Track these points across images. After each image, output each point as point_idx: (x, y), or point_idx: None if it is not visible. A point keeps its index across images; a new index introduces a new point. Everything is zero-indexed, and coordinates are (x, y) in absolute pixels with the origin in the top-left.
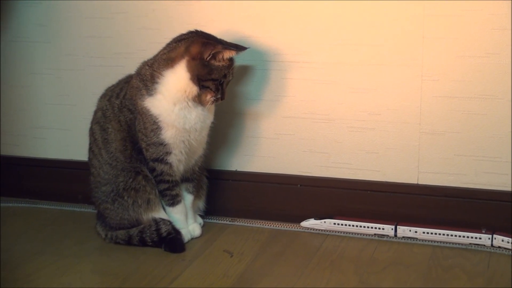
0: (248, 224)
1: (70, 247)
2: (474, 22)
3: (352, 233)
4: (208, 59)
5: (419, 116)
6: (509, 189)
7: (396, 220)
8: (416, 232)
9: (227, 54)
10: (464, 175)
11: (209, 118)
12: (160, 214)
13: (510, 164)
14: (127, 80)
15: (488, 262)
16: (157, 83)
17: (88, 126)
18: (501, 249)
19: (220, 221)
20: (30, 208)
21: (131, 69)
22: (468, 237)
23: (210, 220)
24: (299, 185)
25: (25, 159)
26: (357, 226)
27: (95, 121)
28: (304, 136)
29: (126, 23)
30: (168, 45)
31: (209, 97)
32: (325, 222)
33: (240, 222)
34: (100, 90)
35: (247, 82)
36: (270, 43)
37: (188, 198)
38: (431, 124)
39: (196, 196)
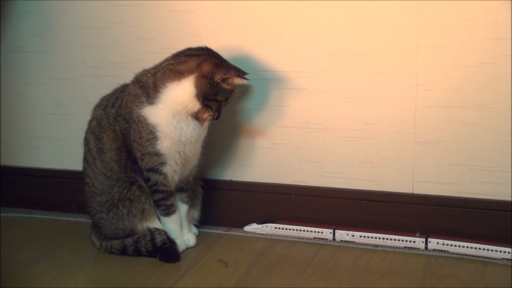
0: (243, 234)
1: (65, 256)
2: (468, 32)
3: (293, 237)
4: (218, 80)
5: (413, 125)
6: (504, 198)
7: (391, 228)
8: (353, 236)
9: (237, 80)
10: (459, 185)
11: (204, 132)
12: (155, 224)
13: (508, 173)
14: (123, 89)
15: (483, 271)
16: (159, 92)
17: (83, 135)
18: (436, 252)
19: (215, 231)
20: (25, 217)
21: (127, 78)
22: (403, 240)
23: (205, 230)
24: (294, 195)
25: (20, 168)
26: (297, 230)
27: (90, 130)
28: (299, 145)
29: (122, 33)
30: (176, 57)
31: (206, 115)
32: (266, 226)
33: (235, 232)
34: (95, 99)
35: (242, 92)
36: (265, 53)
37: (183, 208)
38: (426, 133)
39: (191, 206)
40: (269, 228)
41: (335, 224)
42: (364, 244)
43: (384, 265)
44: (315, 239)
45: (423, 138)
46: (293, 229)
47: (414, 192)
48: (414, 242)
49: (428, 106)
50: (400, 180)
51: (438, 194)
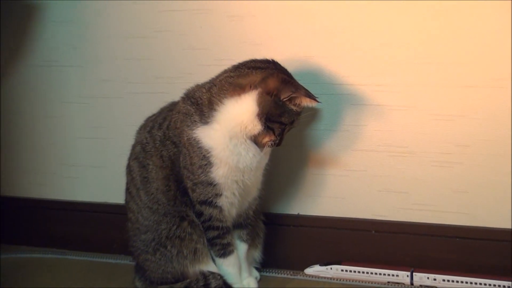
0: (314, 278)
1: None
2: None
3: (363, 282)
4: (284, 99)
5: None
6: None
7: (490, 272)
8: (435, 279)
9: (306, 101)
10: None
11: (265, 159)
12: (209, 266)
13: None
14: (171, 108)
15: None
16: (215, 110)
17: (126, 162)
18: None
19: (279, 275)
20: (58, 259)
21: (176, 95)
22: (494, 285)
23: (268, 274)
24: (373, 231)
25: (52, 201)
26: (368, 273)
27: (133, 156)
28: (379, 172)
29: (170, 43)
30: (237, 68)
31: (267, 139)
32: (331, 268)
33: (304, 276)
34: (139, 120)
35: (310, 110)
36: (337, 64)
37: (241, 247)
38: None
39: (251, 245)
40: (334, 271)
41: (422, 266)
42: None
43: None
44: (390, 284)
45: None
46: (363, 272)
47: None
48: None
49: None
50: (500, 213)
51: None
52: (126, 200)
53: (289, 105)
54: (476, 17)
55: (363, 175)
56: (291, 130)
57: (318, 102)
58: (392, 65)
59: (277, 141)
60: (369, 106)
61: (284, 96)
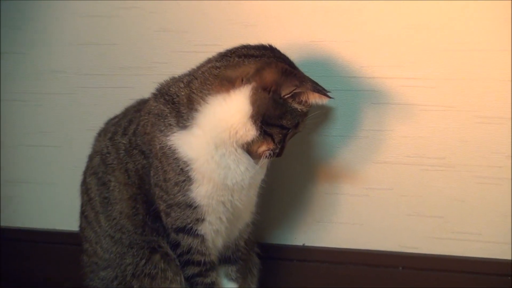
0: None
1: None
2: None
3: None
4: (285, 96)
5: None
6: None
7: None
8: None
9: (314, 98)
10: None
11: (261, 174)
12: None
13: None
14: (139, 108)
15: None
16: (196, 111)
17: (80, 178)
18: None
19: None
20: None
21: (145, 91)
22: None
23: None
24: (400, 268)
25: None
26: None
27: (90, 170)
28: (408, 191)
29: (138, 24)
30: (224, 57)
31: (264, 148)
32: None
33: None
34: (98, 123)
35: (320, 109)
36: (354, 51)
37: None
38: None
39: (243, 284)
40: None
41: None
42: None
43: None
44: None
45: None
46: None
47: None
48: None
49: None
50: None
51: None
52: (81, 226)
53: (292, 103)
54: None
55: (387, 195)
56: (295, 136)
57: (330, 98)
58: (425, 53)
59: (277, 151)
60: (396, 105)
61: (285, 91)
